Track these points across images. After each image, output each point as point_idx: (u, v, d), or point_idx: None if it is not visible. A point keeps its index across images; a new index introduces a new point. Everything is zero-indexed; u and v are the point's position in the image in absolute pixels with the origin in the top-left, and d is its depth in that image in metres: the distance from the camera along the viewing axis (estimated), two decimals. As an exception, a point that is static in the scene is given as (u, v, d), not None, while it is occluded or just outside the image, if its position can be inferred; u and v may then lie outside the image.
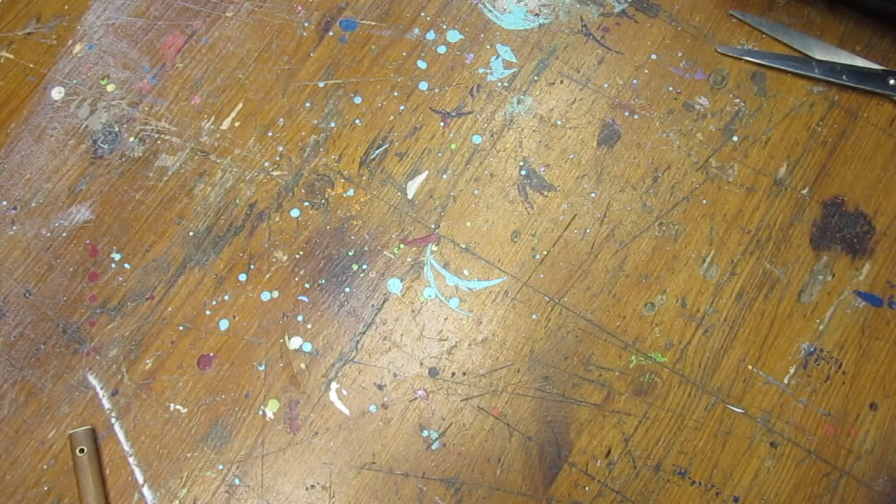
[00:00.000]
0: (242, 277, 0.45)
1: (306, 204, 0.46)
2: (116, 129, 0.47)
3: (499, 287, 0.45)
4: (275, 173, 0.46)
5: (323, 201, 0.46)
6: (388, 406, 0.43)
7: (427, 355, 0.43)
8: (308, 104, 0.47)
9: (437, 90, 0.48)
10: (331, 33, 0.49)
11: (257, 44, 0.49)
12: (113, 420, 0.42)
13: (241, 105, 0.47)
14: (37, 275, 0.45)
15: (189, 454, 0.42)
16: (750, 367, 0.43)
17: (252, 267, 0.45)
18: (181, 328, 0.44)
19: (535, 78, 0.48)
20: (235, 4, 0.50)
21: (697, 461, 0.42)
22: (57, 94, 0.48)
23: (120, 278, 0.45)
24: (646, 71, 0.48)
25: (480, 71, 0.48)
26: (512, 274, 0.45)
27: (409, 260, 0.45)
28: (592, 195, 0.46)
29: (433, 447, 0.42)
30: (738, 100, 0.47)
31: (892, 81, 0.47)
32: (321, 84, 0.48)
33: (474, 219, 0.46)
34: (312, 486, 0.42)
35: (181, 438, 0.42)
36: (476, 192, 0.46)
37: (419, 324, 0.44)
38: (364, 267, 0.45)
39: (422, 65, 0.48)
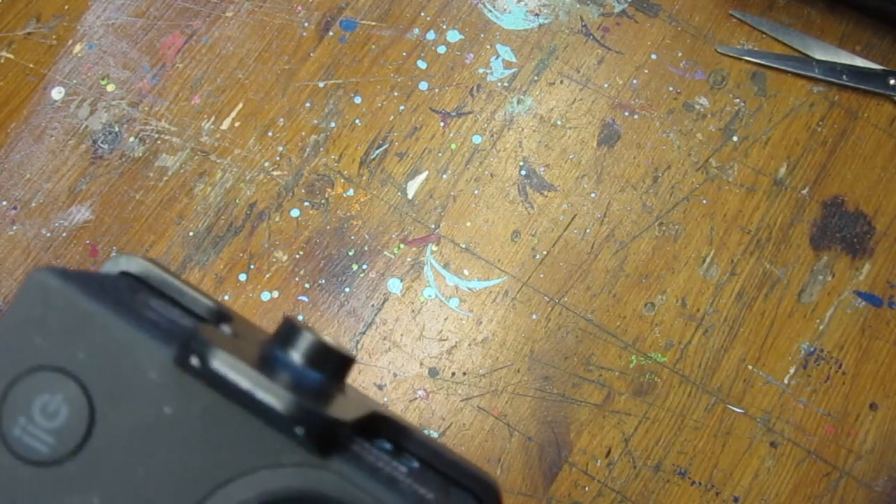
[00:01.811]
0: (242, 277, 0.45)
1: (306, 204, 0.46)
2: (116, 129, 0.47)
3: (499, 287, 0.45)
4: (275, 173, 0.46)
5: (323, 201, 0.46)
6: (389, 406, 0.43)
7: (427, 355, 0.43)
8: (308, 104, 0.47)
9: (437, 90, 0.48)
10: (331, 33, 0.49)
11: (257, 44, 0.49)
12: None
13: (241, 105, 0.47)
14: (37, 275, 0.45)
15: (189, 454, 0.42)
16: (750, 367, 0.43)
17: (252, 267, 0.45)
18: (181, 328, 0.44)
19: (535, 78, 0.48)
20: (235, 4, 0.50)
21: (697, 461, 0.42)
22: (57, 94, 0.48)
23: (120, 278, 0.45)
24: (646, 71, 0.48)
25: (480, 71, 0.48)
26: (512, 274, 0.45)
27: (409, 260, 0.45)
28: (592, 195, 0.46)
29: (433, 447, 0.42)
30: (738, 100, 0.47)
31: (892, 81, 0.47)
32: (321, 84, 0.48)
33: (474, 219, 0.46)
34: (312, 486, 0.42)
35: (181, 438, 0.42)
36: (476, 192, 0.46)
37: (419, 324, 0.44)
38: (364, 267, 0.45)
39: (422, 65, 0.48)
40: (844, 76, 0.47)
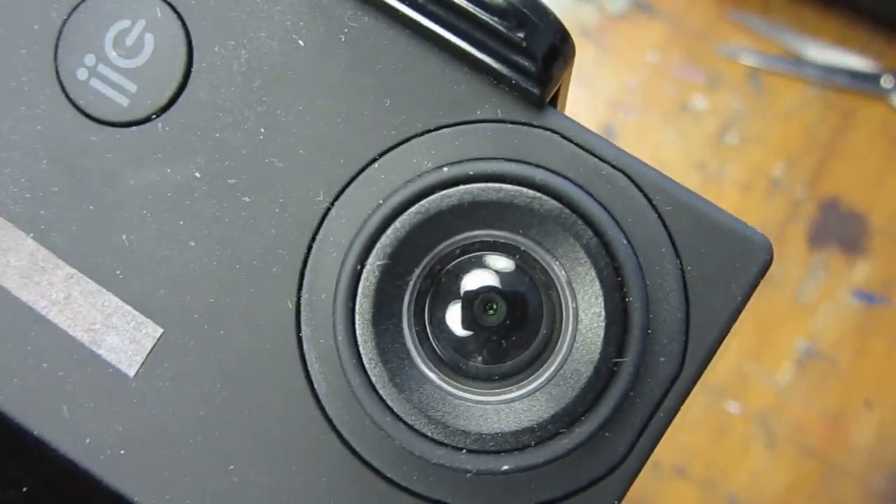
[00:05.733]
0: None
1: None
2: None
3: (498, 286, 0.45)
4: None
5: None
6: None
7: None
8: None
9: (436, 90, 0.48)
10: (330, 33, 0.49)
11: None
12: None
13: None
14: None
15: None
16: (747, 365, 0.44)
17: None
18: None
19: (534, 78, 0.48)
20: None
21: (695, 459, 0.42)
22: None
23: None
24: (643, 71, 0.48)
25: (479, 71, 0.48)
26: (511, 273, 0.45)
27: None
28: (591, 195, 0.46)
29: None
30: (734, 100, 0.48)
31: (885, 82, 0.47)
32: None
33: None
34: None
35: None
36: (475, 191, 0.46)
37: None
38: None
39: (421, 65, 0.48)
40: (839, 77, 0.48)
